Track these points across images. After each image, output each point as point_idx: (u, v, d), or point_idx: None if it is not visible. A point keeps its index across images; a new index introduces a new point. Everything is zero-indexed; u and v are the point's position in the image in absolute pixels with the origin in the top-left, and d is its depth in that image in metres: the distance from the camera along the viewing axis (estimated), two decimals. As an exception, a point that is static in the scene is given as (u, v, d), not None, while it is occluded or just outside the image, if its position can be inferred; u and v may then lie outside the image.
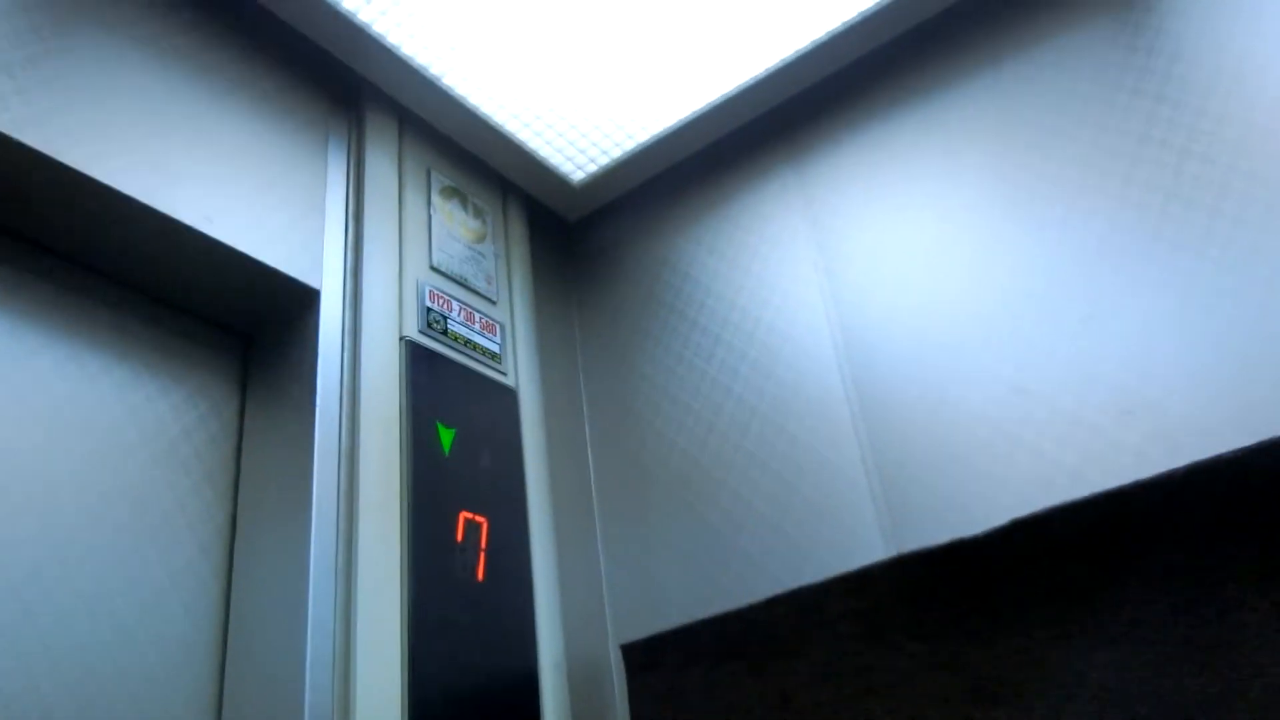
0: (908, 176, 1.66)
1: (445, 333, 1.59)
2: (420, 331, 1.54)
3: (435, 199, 1.70)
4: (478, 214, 1.79)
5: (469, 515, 1.47)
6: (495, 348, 1.68)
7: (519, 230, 1.89)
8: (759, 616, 1.47)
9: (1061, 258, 1.44)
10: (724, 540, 1.59)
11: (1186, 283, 1.32)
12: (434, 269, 1.63)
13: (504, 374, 1.67)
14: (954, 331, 1.50)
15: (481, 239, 1.77)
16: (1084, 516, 1.27)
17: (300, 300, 1.45)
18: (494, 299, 1.73)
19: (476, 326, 1.66)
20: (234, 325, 1.51)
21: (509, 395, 1.66)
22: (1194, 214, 1.35)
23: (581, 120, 1.78)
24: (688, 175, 1.94)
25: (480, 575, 1.44)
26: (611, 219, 2.03)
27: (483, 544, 1.47)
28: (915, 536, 1.39)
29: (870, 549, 1.43)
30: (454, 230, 1.71)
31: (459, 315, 1.63)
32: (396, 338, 1.50)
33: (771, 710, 1.42)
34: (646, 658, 1.58)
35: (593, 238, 2.05)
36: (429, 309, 1.57)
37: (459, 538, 1.44)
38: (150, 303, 1.43)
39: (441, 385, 1.54)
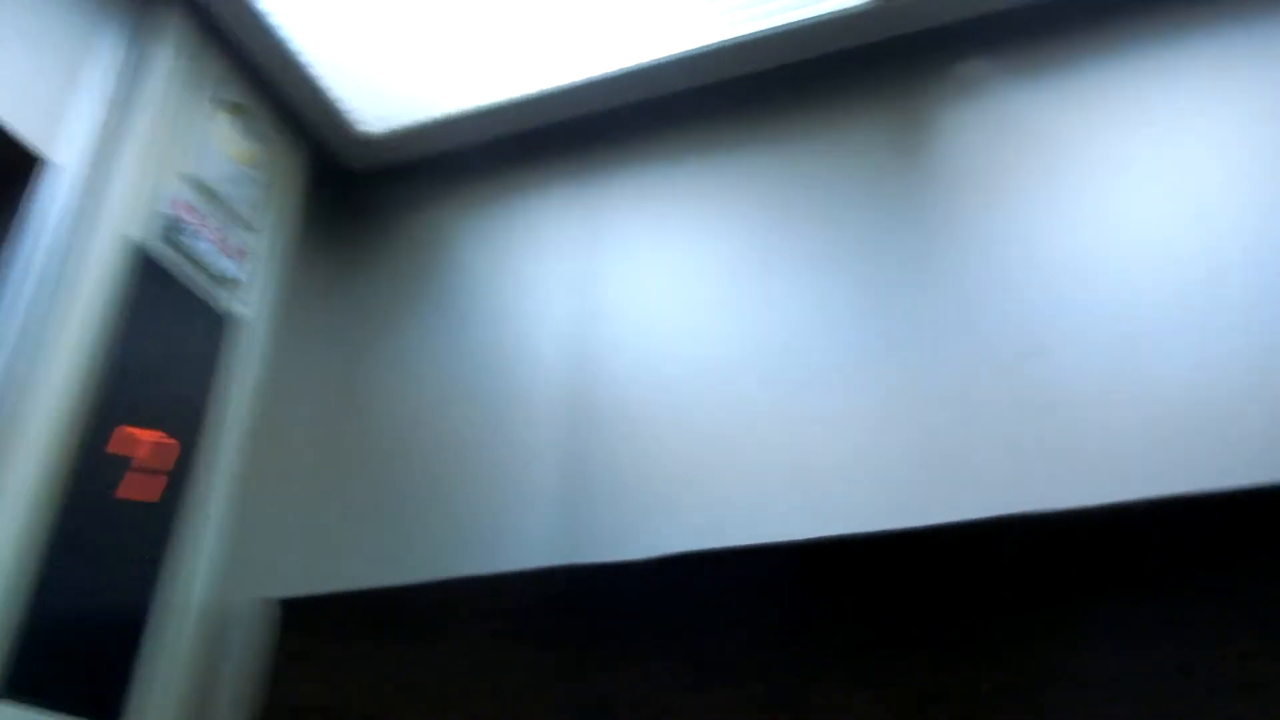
0: (682, 222, 1.71)
1: (179, 246, 1.52)
2: (153, 236, 1.48)
3: (215, 110, 1.64)
4: (258, 138, 1.73)
5: (156, 437, 1.41)
6: (238, 274, 1.62)
7: (295, 166, 1.84)
8: (411, 597, 1.47)
9: (797, 326, 1.51)
10: (412, 517, 1.57)
11: (898, 381, 1.41)
12: (190, 177, 1.57)
13: (243, 303, 1.62)
14: (684, 373, 1.54)
15: (254, 163, 1.71)
16: (755, 563, 1.32)
17: (22, 165, 1.36)
18: (254, 226, 1.68)
19: (222, 248, 1.60)
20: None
21: (236, 324, 1.61)
22: (924, 320, 1.45)
23: (390, 76, 1.76)
24: (479, 160, 1.94)
25: (156, 496, 1.38)
26: (397, 181, 2.01)
27: (168, 467, 1.41)
28: (590, 554, 1.42)
29: (545, 556, 1.44)
30: (226, 147, 1.65)
31: (205, 232, 1.57)
32: (122, 236, 1.43)
33: (399, 693, 1.41)
34: (289, 617, 1.55)
35: (374, 194, 2.02)
36: (169, 216, 1.51)
37: (140, 454, 1.38)
38: None
39: (160, 294, 1.47)
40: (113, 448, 1.34)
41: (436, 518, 1.55)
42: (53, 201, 1.37)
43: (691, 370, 1.54)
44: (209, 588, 1.46)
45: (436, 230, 1.90)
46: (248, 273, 1.63)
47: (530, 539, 1.48)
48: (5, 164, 1.35)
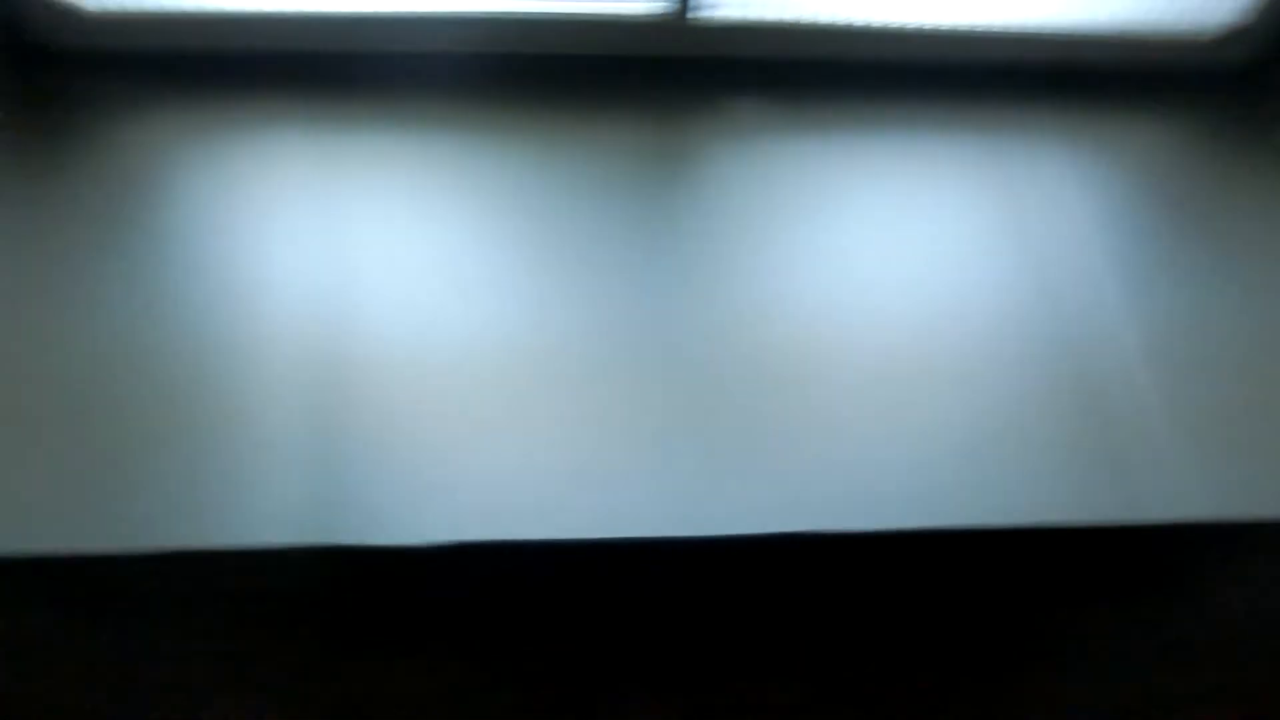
0: (440, 194, 1.60)
1: None
2: None
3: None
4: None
5: None
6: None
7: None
8: (127, 568, 1.25)
9: (558, 317, 1.48)
10: (119, 474, 1.33)
11: (654, 384, 1.44)
12: None
13: None
14: (446, 350, 1.46)
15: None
16: (550, 558, 1.27)
17: None
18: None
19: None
20: None
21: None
22: (676, 331, 1.49)
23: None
24: (212, 72, 1.66)
25: None
26: (108, 73, 1.68)
27: None
28: (342, 537, 1.30)
29: (287, 535, 1.30)
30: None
31: None
32: None
33: (103, 680, 1.21)
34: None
35: (77, 81, 1.67)
36: None
37: None
38: None
39: None
40: None
41: (151, 478, 1.32)
42: None
43: (454, 349, 1.46)
44: None
45: (152, 142, 1.61)
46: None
47: (270, 514, 1.32)
48: None
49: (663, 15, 1.64)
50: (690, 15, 1.66)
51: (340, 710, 1.19)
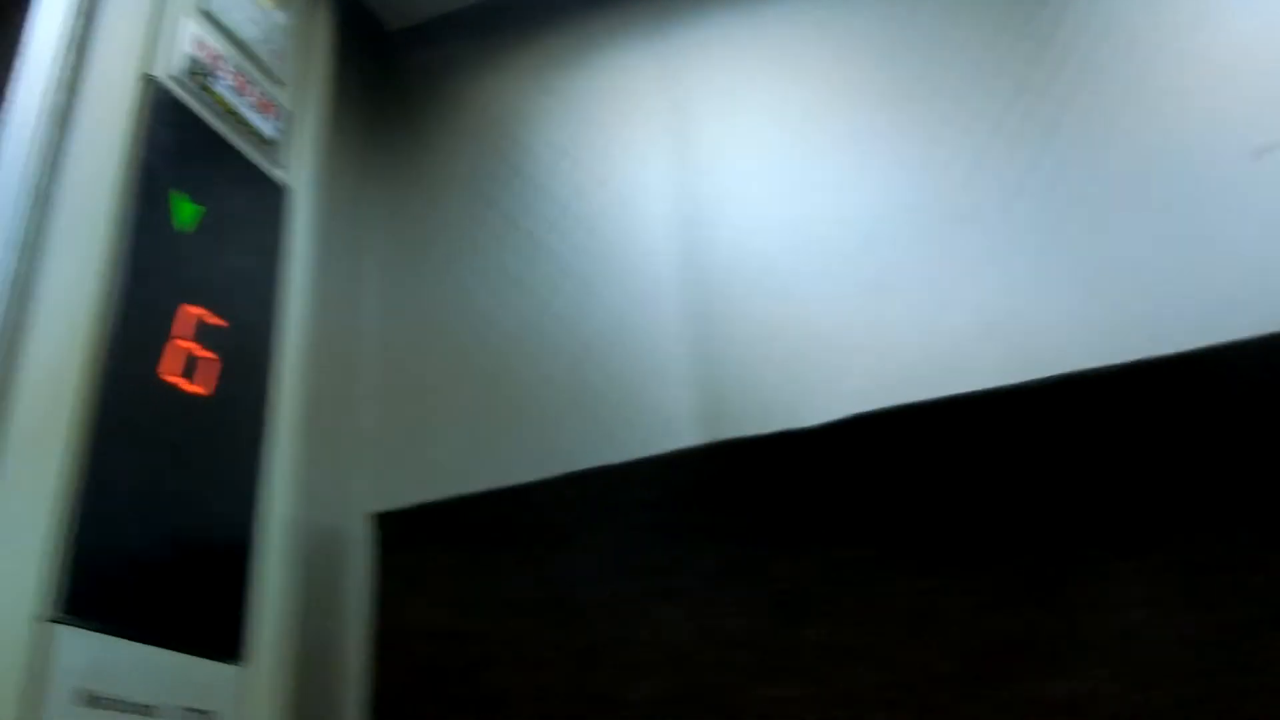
0: (776, 72, 1.45)
1: (206, 89, 1.25)
2: (173, 76, 1.20)
3: (226, -65, 1.35)
4: (279, -24, 1.44)
5: (202, 312, 1.15)
6: (272, 133, 1.34)
7: (325, 14, 1.55)
8: (538, 497, 1.24)
9: (932, 168, 1.28)
10: (516, 410, 1.34)
11: (1051, 208, 1.19)
12: (206, 14, 1.28)
13: (280, 167, 1.35)
14: (810, 227, 1.31)
15: (278, 5, 1.42)
16: (939, 419, 1.10)
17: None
18: (281, 80, 1.40)
19: (251, 101, 1.32)
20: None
21: (279, 192, 1.33)
22: (1060, 144, 1.22)
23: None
24: (537, 11, 1.67)
25: (209, 389, 1.13)
26: (442, 40, 1.72)
27: (216, 352, 1.15)
28: (734, 429, 1.20)
29: (681, 436, 1.22)
30: (244, -20, 1.37)
31: (230, 80, 1.29)
32: (136, 72, 1.15)
33: (540, 606, 1.19)
34: (399, 532, 1.31)
35: (417, 54, 1.73)
36: (191, 56, 1.23)
37: (184, 332, 1.11)
38: None
39: (190, 149, 1.19)
40: (154, 327, 1.09)
41: (548, 410, 1.31)
42: (49, 30, 1.08)
43: (828, 223, 1.30)
44: (291, 501, 1.22)
45: (496, 94, 1.61)
46: (278, 131, 1.35)
47: (658, 421, 1.25)
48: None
49: None
50: None
51: (764, 607, 1.07)
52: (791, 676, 1.04)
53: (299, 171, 1.38)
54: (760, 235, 1.31)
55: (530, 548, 1.20)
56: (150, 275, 1.09)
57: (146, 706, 0.96)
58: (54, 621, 0.89)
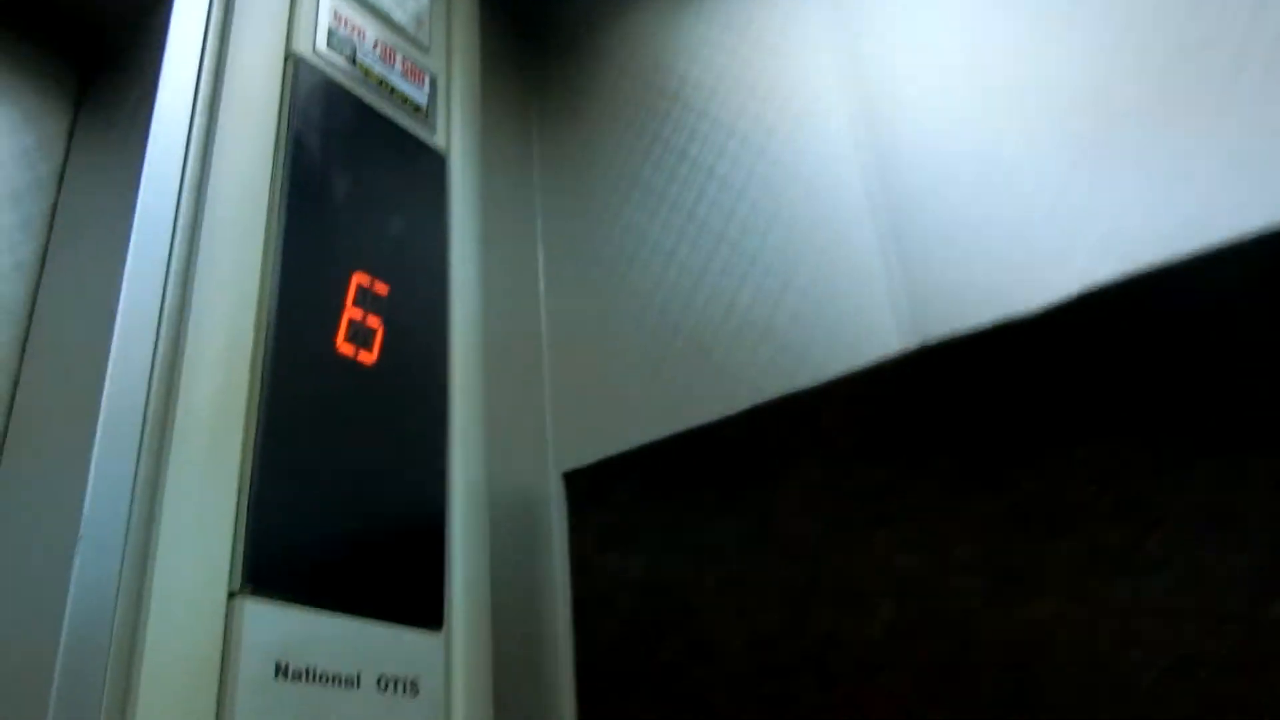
0: None
1: (353, 62, 1.24)
2: (318, 52, 1.19)
3: (355, -92, 1.34)
4: (412, -58, 1.43)
5: (365, 279, 1.13)
6: (421, 99, 1.32)
7: (467, -21, 1.53)
8: (734, 433, 1.15)
9: (1123, 53, 1.10)
10: (699, 346, 1.26)
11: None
12: (345, -13, 1.28)
13: (432, 132, 1.33)
14: (1005, 96, 1.15)
15: (414, -28, 1.41)
16: (1192, 280, 0.93)
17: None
18: (424, 45, 1.38)
19: (397, 68, 1.31)
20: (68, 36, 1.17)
21: (436, 159, 1.31)
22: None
23: None
24: None
25: (375, 357, 1.11)
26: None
27: (380, 320, 1.13)
28: (942, 326, 1.06)
29: (883, 343, 1.10)
30: (378, -49, 1.35)
31: (374, 50, 1.28)
32: (281, 53, 1.15)
33: (748, 549, 1.10)
34: (593, 487, 1.26)
35: (559, 6, 1.69)
36: (333, 30, 1.22)
37: (348, 301, 1.10)
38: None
39: (340, 123, 1.19)
40: (324, 299, 1.08)
41: (735, 341, 1.22)
42: (190, 24, 1.10)
43: (1015, 107, 1.15)
44: (479, 465, 1.19)
45: (649, 28, 1.54)
46: (426, 97, 1.33)
47: (856, 332, 1.13)
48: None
49: None
50: None
51: (1000, 522, 0.93)
52: (1041, 595, 0.91)
53: (454, 136, 1.35)
54: (947, 115, 1.17)
55: (731, 487, 1.12)
56: (313, 249, 1.08)
57: (347, 677, 0.94)
58: (242, 596, 0.88)
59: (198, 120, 1.05)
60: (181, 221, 0.99)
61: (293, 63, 1.15)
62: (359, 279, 1.12)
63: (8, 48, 1.14)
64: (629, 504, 1.21)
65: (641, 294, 1.33)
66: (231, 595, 0.88)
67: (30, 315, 1.04)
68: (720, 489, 1.13)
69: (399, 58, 1.31)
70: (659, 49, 1.51)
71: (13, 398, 1.00)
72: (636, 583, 1.17)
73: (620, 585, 1.18)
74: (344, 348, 1.07)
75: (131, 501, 0.86)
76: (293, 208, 1.07)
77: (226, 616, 0.87)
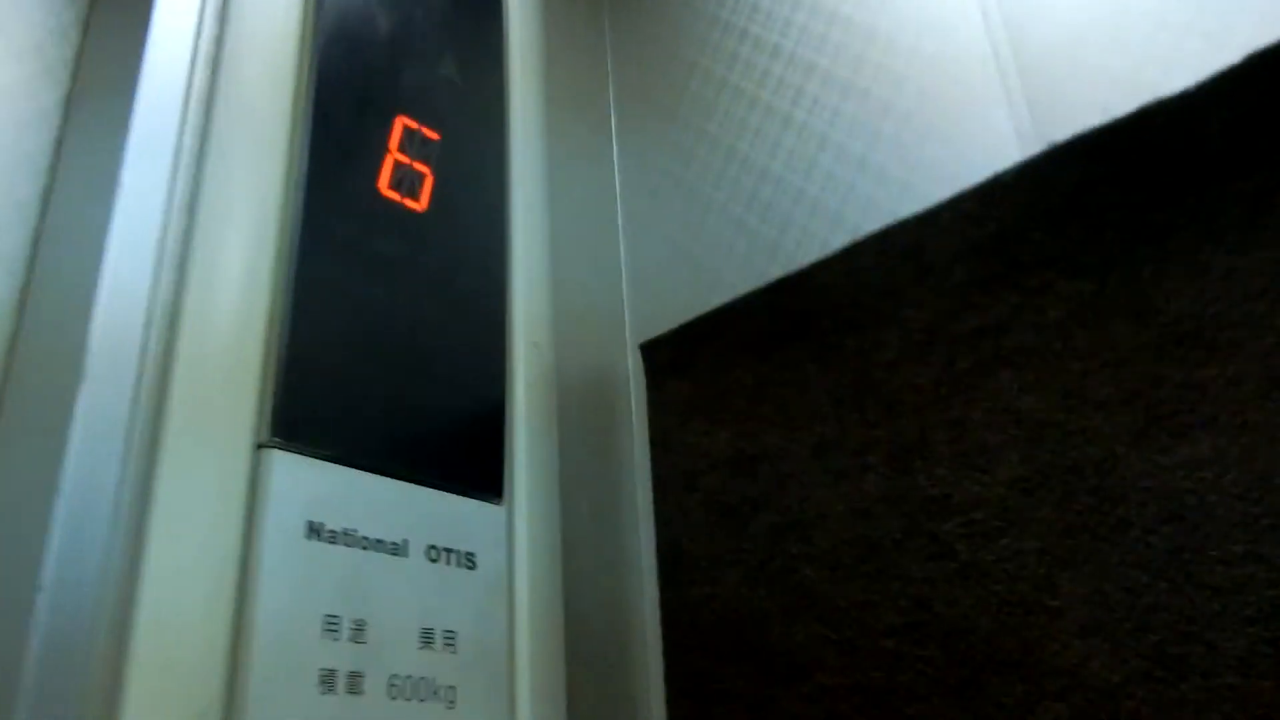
0: None
1: (391, -106, 1.13)
2: (349, -118, 1.09)
3: None
4: None
5: (411, 123, 1.02)
6: (472, -60, 1.21)
7: None
8: (826, 277, 1.00)
9: None
10: (789, 189, 1.11)
11: None
12: None
13: (486, -28, 1.21)
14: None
15: None
16: None
17: None
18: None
19: (445, -95, 1.19)
20: None
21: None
22: None
23: None
24: None
25: (422, 204, 1.01)
26: None
27: (430, 167, 1.03)
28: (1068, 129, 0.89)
29: (1000, 155, 0.93)
30: None
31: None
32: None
33: (845, 407, 0.96)
34: (674, 356, 1.13)
35: None
36: None
37: (393, 145, 1.00)
38: None
39: (383, -42, 1.09)
40: (366, 140, 0.98)
41: (825, 177, 1.08)
42: None
43: None
44: (546, 331, 1.09)
45: None
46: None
47: (968, 148, 0.97)
48: None
49: None
50: None
51: (1146, 348, 0.77)
52: (1197, 432, 0.74)
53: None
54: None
55: (825, 340, 0.98)
56: (348, 89, 0.98)
57: (391, 543, 0.85)
58: (269, 448, 0.79)
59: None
60: (200, 58, 0.90)
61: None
62: (403, 122, 1.01)
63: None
64: (713, 372, 1.08)
65: (723, 144, 1.19)
66: (259, 447, 0.79)
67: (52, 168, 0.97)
68: (814, 343, 0.99)
69: (447, -106, 1.19)
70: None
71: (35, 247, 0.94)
72: (723, 456, 1.04)
73: (705, 459, 1.05)
74: (388, 191, 0.97)
75: (146, 336, 0.77)
76: (325, 47, 0.97)
77: (252, 469, 0.78)
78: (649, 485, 1.11)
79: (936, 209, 0.92)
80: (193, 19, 0.91)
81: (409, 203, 0.98)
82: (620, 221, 1.28)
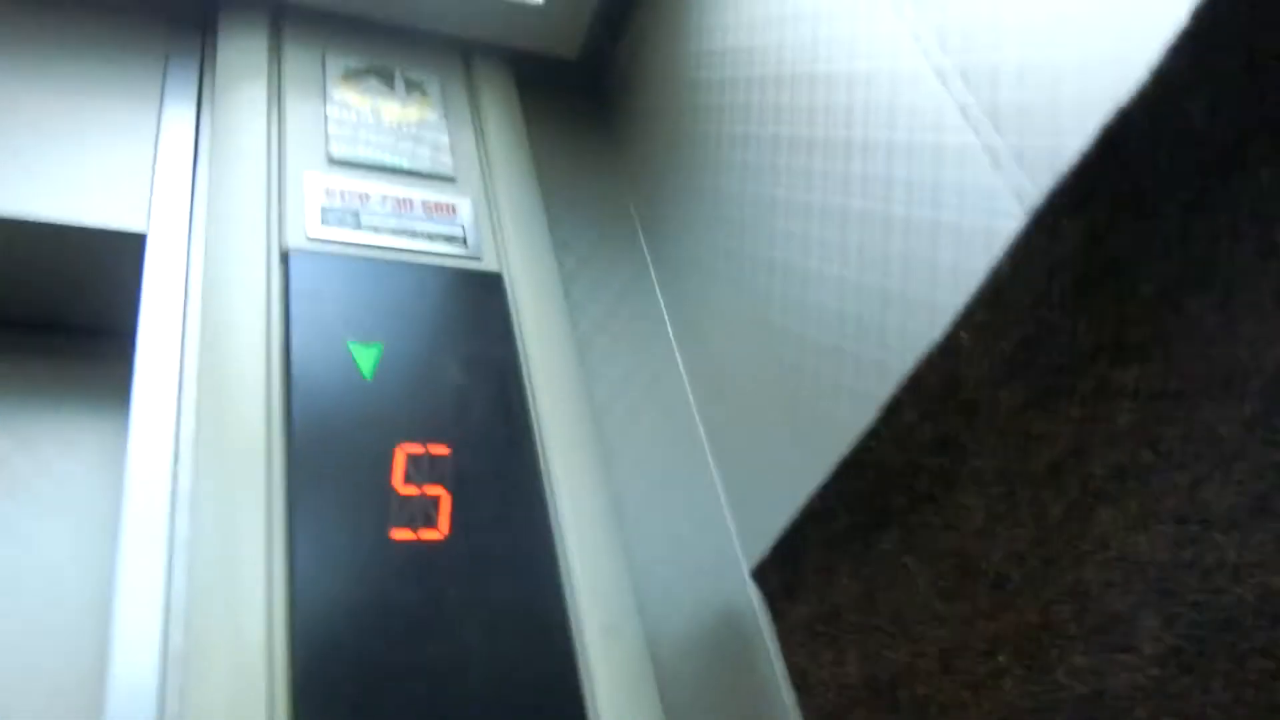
0: None
1: (359, 228, 1.13)
2: (312, 239, 1.10)
3: (333, 88, 1.27)
4: (413, 88, 1.32)
5: (415, 449, 0.97)
6: (455, 231, 1.19)
7: (494, 89, 1.38)
8: (881, 450, 0.82)
9: None
10: (826, 353, 0.95)
11: None
12: (335, 162, 1.19)
13: (476, 259, 1.18)
14: None
15: (422, 117, 1.30)
16: None
17: (124, 252, 1.07)
18: (451, 175, 1.25)
19: (417, 212, 1.18)
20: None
21: (488, 282, 1.16)
22: None
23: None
24: None
25: (443, 530, 0.94)
26: (623, 36, 1.47)
27: (445, 484, 0.96)
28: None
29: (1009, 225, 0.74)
30: (368, 116, 1.26)
31: (384, 206, 1.16)
32: (271, 253, 1.07)
33: (956, 598, 0.76)
34: (780, 579, 0.96)
35: (612, 67, 1.50)
36: (327, 209, 1.13)
37: (396, 480, 0.95)
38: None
39: (358, 293, 1.08)
40: (394, 477, 0.94)
41: (860, 325, 0.92)
42: (167, 262, 1.05)
43: None
44: (617, 595, 0.97)
45: (700, 49, 1.33)
46: (461, 226, 1.19)
47: (972, 235, 0.78)
48: (110, 261, 1.08)
49: None
50: None
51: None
52: None
53: (509, 251, 1.20)
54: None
55: (907, 522, 0.78)
56: (357, 427, 0.95)
57: None
58: None
59: (188, 348, 0.98)
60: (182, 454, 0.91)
61: (286, 257, 1.06)
62: (406, 451, 0.97)
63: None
64: (822, 586, 0.90)
65: (763, 323, 1.06)
66: None
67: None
68: (899, 529, 0.80)
69: (417, 203, 1.19)
70: (717, 68, 1.27)
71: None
72: (859, 686, 0.85)
73: (846, 695, 0.87)
74: (398, 534, 0.91)
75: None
76: (299, 402, 0.95)
77: None
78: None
79: (952, 331, 0.74)
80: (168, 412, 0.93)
81: (425, 534, 0.92)
82: (704, 439, 1.16)
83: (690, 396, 1.21)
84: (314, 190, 1.14)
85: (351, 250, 1.11)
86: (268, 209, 1.10)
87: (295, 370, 0.98)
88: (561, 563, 0.96)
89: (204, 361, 0.96)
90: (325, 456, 0.93)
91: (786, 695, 0.97)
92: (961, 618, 0.74)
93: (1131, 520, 0.62)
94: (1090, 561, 0.65)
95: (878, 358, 0.88)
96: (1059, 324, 0.66)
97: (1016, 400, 0.70)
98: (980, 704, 0.73)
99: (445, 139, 1.28)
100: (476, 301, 1.14)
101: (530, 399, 1.07)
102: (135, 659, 0.80)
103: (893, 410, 0.80)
